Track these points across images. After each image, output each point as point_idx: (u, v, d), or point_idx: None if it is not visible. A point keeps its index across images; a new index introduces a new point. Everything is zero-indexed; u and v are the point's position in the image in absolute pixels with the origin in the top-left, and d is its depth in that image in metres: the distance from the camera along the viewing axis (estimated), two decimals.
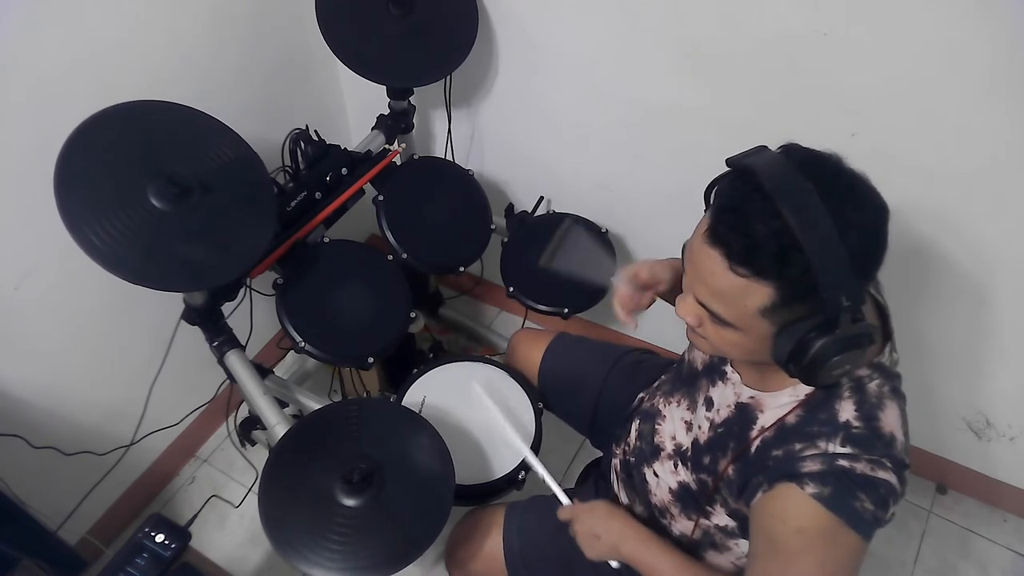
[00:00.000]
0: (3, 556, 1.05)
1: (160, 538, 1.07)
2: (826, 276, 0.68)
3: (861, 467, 0.76)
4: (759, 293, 0.71)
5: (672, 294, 1.14)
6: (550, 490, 1.13)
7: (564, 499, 1.11)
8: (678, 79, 1.37)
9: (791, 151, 0.74)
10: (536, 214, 1.70)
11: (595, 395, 1.29)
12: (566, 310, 1.51)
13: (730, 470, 0.89)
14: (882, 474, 0.76)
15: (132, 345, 1.49)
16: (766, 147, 0.76)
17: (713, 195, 0.79)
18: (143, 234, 1.01)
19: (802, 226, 0.67)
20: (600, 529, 1.02)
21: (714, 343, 0.82)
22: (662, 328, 1.59)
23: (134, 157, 1.04)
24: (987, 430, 1.56)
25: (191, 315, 1.28)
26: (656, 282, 1.06)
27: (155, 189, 1.02)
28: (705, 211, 0.80)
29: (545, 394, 1.35)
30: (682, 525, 1.02)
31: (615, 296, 1.06)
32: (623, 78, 1.43)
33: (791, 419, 0.83)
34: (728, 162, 0.76)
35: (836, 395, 0.81)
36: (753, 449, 0.85)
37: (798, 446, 0.80)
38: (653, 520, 1.07)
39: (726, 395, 0.94)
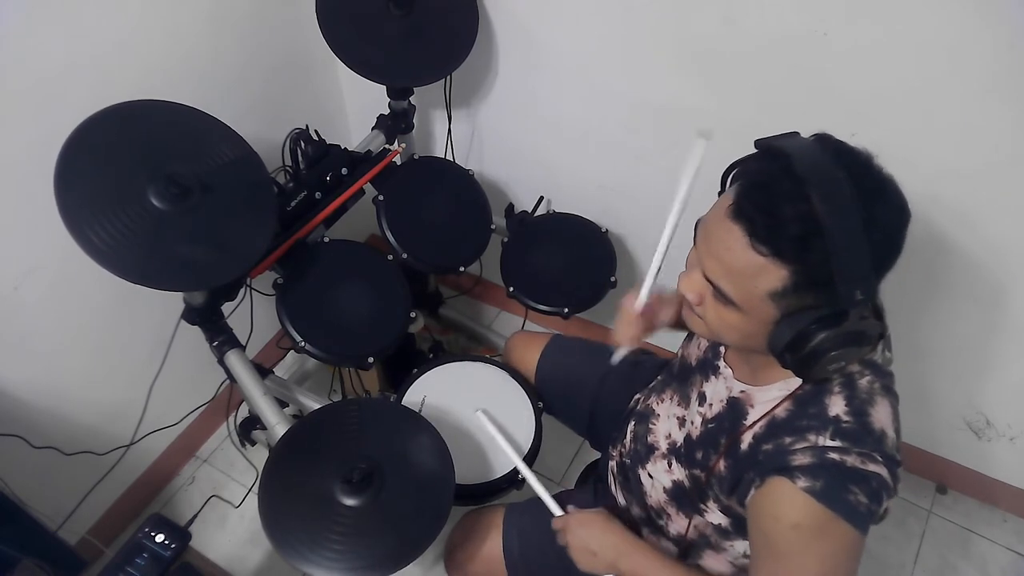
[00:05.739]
0: (3, 556, 1.05)
1: (160, 538, 1.07)
2: (846, 267, 0.67)
3: (851, 460, 0.76)
4: (773, 275, 0.70)
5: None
6: (549, 491, 1.13)
7: (556, 509, 1.11)
8: (678, 79, 1.37)
9: (825, 140, 0.74)
10: (536, 214, 1.70)
11: (592, 397, 1.29)
12: (566, 310, 1.51)
13: (721, 465, 0.89)
14: (873, 467, 0.76)
15: (132, 345, 1.49)
16: (798, 133, 0.75)
17: (734, 175, 0.78)
18: (143, 234, 1.00)
19: (829, 214, 0.66)
20: (596, 545, 1.01)
21: (711, 324, 0.81)
22: None
23: (134, 157, 1.04)
24: (987, 430, 1.56)
25: (191, 315, 1.28)
26: (661, 307, 1.07)
27: (155, 189, 1.02)
28: (719, 193, 0.79)
29: (543, 397, 1.35)
30: (678, 525, 1.02)
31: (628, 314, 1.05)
32: (623, 78, 1.43)
33: (780, 413, 0.83)
34: (758, 143, 0.75)
35: (826, 390, 0.80)
36: (744, 444, 0.85)
37: (788, 440, 0.80)
38: (650, 521, 1.07)
39: (718, 390, 0.94)
